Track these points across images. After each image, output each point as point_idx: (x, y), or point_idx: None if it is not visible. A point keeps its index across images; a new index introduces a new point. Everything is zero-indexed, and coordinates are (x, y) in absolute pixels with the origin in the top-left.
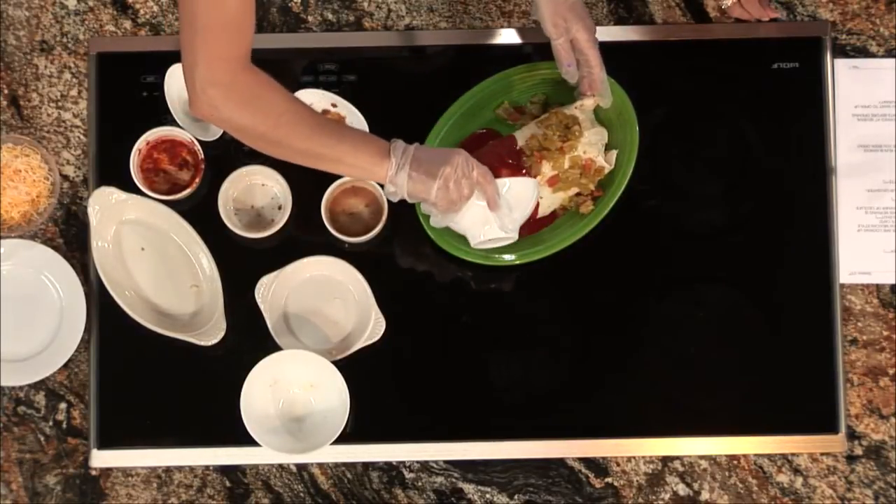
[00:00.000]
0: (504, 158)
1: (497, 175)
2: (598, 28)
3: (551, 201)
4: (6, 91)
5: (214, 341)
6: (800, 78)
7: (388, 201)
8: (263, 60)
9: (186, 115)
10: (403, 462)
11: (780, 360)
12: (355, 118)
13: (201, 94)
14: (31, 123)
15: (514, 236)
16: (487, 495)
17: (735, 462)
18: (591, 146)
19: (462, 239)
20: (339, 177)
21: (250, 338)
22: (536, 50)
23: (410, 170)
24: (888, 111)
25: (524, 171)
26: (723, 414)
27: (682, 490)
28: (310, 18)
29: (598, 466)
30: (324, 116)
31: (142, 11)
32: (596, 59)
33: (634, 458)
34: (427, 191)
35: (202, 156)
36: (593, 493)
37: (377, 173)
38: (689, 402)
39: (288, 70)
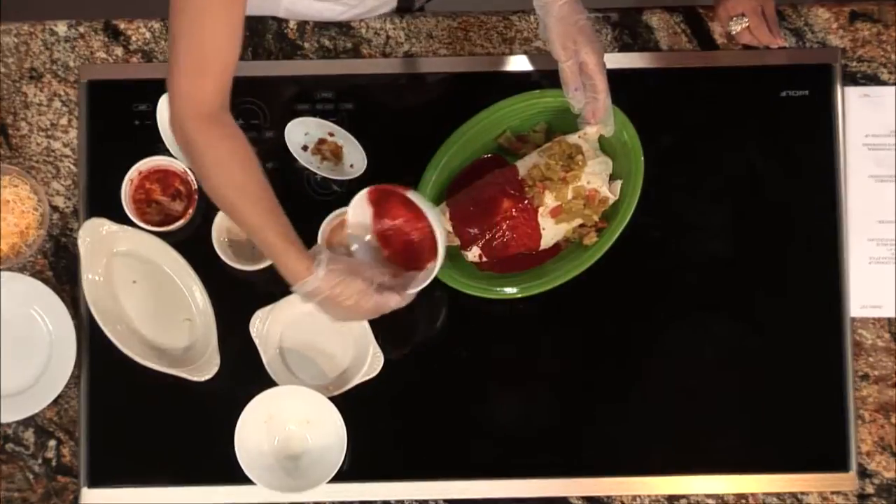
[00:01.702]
0: (506, 189)
1: (498, 206)
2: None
3: (554, 233)
4: None
5: (208, 376)
6: (809, 106)
7: None
8: (259, 88)
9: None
10: (402, 501)
11: (789, 396)
12: (353, 147)
13: (176, 125)
14: (20, 153)
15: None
16: None
17: (743, 501)
18: (595, 176)
19: (463, 271)
20: (334, 208)
21: (245, 373)
22: (539, 77)
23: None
24: None
25: (526, 202)
26: (730, 451)
27: None
28: (306, 45)
29: None
30: (267, 195)
31: (133, 38)
32: (603, 85)
33: (640, 496)
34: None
35: (195, 186)
36: None
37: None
38: (695, 439)
39: (284, 98)
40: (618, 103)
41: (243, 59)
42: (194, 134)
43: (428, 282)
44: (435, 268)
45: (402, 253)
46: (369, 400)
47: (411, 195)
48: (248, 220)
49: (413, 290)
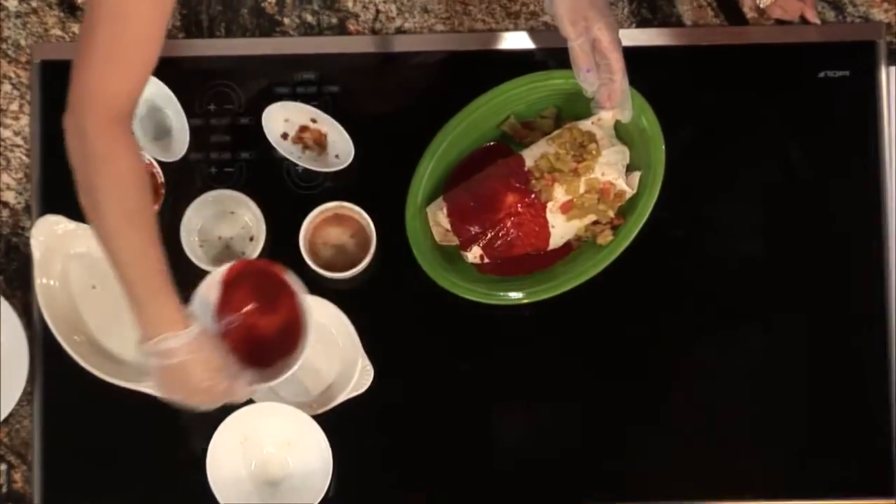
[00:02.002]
0: (510, 182)
1: (501, 201)
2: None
3: (564, 231)
4: None
5: None
6: (850, 88)
7: (377, 231)
8: (233, 69)
9: (144, 133)
10: None
11: (830, 414)
12: (338, 135)
13: (73, 122)
14: None
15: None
16: None
17: None
18: (611, 167)
19: (462, 274)
20: (318, 203)
21: None
22: (547, 57)
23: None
24: None
25: (533, 196)
26: (764, 475)
27: None
28: (286, 21)
29: None
30: (154, 226)
31: None
32: (619, 65)
33: None
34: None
35: (162, 179)
36: None
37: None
38: (725, 462)
39: (261, 80)
40: (636, 85)
41: (216, 36)
42: (96, 138)
43: (284, 378)
44: (295, 363)
45: (244, 346)
46: (358, 419)
47: (288, 277)
48: (127, 249)
49: (256, 387)
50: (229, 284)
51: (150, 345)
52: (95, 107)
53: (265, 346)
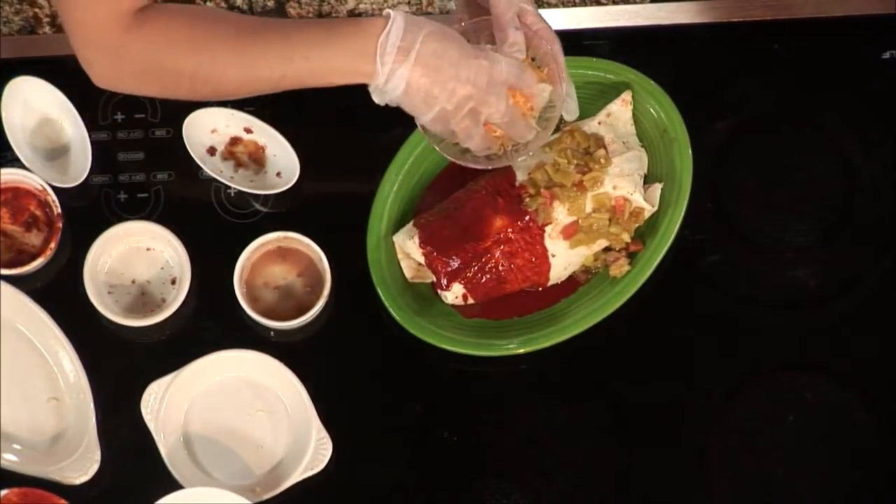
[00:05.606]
0: (498, 201)
1: (487, 225)
2: (629, 7)
3: (568, 261)
4: None
5: (85, 478)
6: None
7: (331, 268)
8: None
9: (34, 151)
10: None
11: None
12: (280, 148)
13: (87, 67)
14: None
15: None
16: None
17: None
18: (625, 179)
19: (442, 320)
20: (256, 234)
21: (136, 472)
22: None
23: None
24: None
25: (527, 218)
26: None
27: None
28: (208, 2)
29: None
30: (268, 21)
31: None
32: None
33: None
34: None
35: (59, 210)
36: None
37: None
38: None
39: None
40: (655, 75)
41: None
42: (132, 41)
43: None
44: None
45: None
46: None
47: None
48: (262, 55)
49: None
50: None
51: (379, 67)
52: (102, 27)
53: None
